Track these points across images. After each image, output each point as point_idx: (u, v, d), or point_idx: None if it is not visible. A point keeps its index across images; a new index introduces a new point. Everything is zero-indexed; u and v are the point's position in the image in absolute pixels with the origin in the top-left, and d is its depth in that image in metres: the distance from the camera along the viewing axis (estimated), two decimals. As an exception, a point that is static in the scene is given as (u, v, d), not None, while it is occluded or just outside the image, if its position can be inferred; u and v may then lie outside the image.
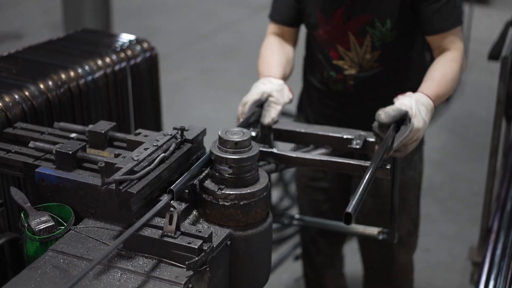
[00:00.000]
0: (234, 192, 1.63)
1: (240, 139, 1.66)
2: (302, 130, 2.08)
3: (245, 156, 1.65)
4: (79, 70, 2.40)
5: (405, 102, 2.01)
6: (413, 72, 2.39)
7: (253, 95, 2.16)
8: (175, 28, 7.62)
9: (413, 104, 2.00)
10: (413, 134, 1.98)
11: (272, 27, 2.46)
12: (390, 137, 1.93)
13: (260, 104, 2.15)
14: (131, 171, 1.59)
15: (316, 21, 2.32)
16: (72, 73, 2.37)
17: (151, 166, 1.63)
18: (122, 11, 7.51)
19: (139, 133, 1.89)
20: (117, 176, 1.55)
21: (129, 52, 2.62)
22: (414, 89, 2.26)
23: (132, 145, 1.81)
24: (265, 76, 2.27)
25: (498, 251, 2.48)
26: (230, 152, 1.65)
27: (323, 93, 2.43)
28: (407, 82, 2.36)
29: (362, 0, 2.22)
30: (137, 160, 1.62)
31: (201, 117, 5.27)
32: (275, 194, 4.23)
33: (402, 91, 2.28)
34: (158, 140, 1.74)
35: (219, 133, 1.68)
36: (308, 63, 2.51)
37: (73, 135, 1.93)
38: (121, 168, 1.59)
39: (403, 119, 1.99)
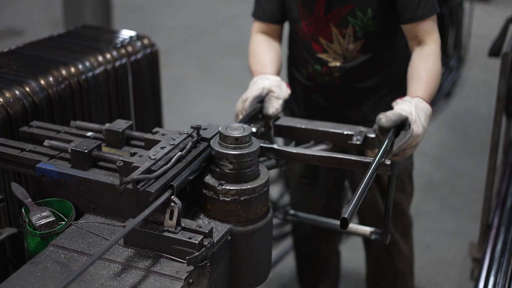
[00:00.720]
0: (234, 188, 1.64)
1: (240, 135, 1.66)
2: (303, 126, 2.08)
3: (245, 152, 1.65)
4: (80, 66, 2.40)
5: (405, 107, 2.01)
6: (398, 62, 2.39)
7: (253, 91, 2.17)
8: (175, 24, 7.62)
9: (412, 109, 2.00)
10: (412, 140, 1.98)
11: (257, 26, 2.46)
12: (389, 141, 1.93)
13: (261, 100, 2.15)
14: (149, 170, 1.58)
15: (298, 16, 2.33)
16: (72, 69, 2.37)
17: (168, 165, 1.62)
18: (122, 7, 7.51)
19: (156, 132, 1.87)
20: (135, 175, 1.54)
21: (129, 48, 2.62)
22: (400, 78, 2.32)
23: (149, 144, 1.79)
24: (260, 73, 2.27)
25: (499, 247, 2.48)
26: (231, 148, 1.65)
27: (310, 88, 2.44)
28: (392, 71, 2.39)
29: None
30: (154, 159, 1.61)
31: (201, 113, 5.27)
32: (276, 190, 4.23)
33: (388, 80, 2.35)
34: (174, 139, 1.73)
35: (220, 128, 1.68)
36: (292, 59, 2.52)
37: (89, 133, 1.92)
38: (139, 167, 1.58)
39: (402, 124, 1.99)
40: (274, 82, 2.20)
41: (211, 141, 1.71)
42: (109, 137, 1.86)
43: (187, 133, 1.76)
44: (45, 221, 1.61)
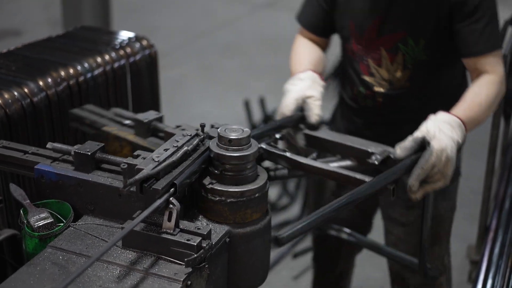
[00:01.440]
0: (220, 188, 1.63)
1: (236, 137, 1.65)
2: (329, 138, 1.99)
3: (241, 154, 1.64)
4: (79, 67, 2.40)
5: (421, 128, 1.88)
6: (447, 97, 2.25)
7: (288, 106, 2.06)
8: (174, 25, 7.62)
9: (430, 125, 1.87)
10: (438, 156, 1.81)
11: (301, 30, 2.39)
12: (402, 165, 1.79)
13: (300, 109, 2.06)
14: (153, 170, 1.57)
15: (349, 34, 2.25)
16: (71, 70, 2.37)
17: (174, 159, 1.60)
18: (121, 8, 7.50)
19: (179, 126, 1.88)
20: (139, 177, 1.53)
21: (128, 50, 2.62)
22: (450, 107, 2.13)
23: (169, 137, 1.78)
24: (295, 74, 2.20)
25: (496, 250, 2.49)
26: (227, 150, 1.65)
27: (352, 109, 2.36)
28: (437, 104, 2.16)
29: (395, 16, 2.13)
30: (158, 161, 1.60)
31: (200, 114, 5.27)
32: (274, 191, 4.24)
33: (433, 112, 2.13)
34: (177, 141, 1.72)
35: (218, 130, 1.68)
36: (342, 77, 2.45)
37: (126, 122, 2.01)
38: (142, 169, 1.57)
39: (423, 147, 1.84)
40: (306, 83, 2.09)
41: (210, 142, 1.70)
42: (77, 159, 1.75)
43: (190, 135, 1.75)
44: (44, 223, 1.61)
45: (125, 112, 2.03)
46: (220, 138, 1.66)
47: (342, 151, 1.96)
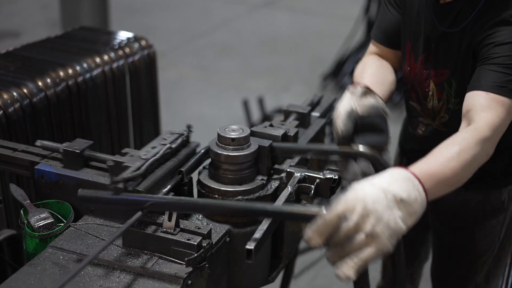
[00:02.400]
0: (217, 187, 1.64)
1: (237, 136, 1.66)
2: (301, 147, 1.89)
3: (243, 153, 1.65)
4: (77, 68, 2.40)
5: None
6: None
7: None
8: (172, 25, 7.62)
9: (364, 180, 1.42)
10: (349, 206, 1.33)
11: (372, 47, 2.16)
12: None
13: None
14: (139, 170, 1.58)
15: (405, 55, 2.06)
16: (70, 71, 2.37)
17: (157, 157, 1.61)
18: (120, 9, 7.50)
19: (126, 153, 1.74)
20: (126, 175, 1.54)
21: (127, 50, 2.62)
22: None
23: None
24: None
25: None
26: (228, 149, 1.65)
27: (407, 132, 2.23)
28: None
29: (443, 56, 1.92)
30: (146, 158, 1.61)
31: (198, 114, 5.27)
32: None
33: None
34: (165, 139, 1.73)
35: (218, 129, 1.68)
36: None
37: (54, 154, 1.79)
38: (130, 166, 1.58)
39: None
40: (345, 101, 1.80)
41: (209, 142, 1.71)
42: (66, 156, 1.74)
43: (178, 133, 1.76)
44: (44, 223, 1.61)
45: (50, 143, 1.81)
46: (221, 138, 1.66)
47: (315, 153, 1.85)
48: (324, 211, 1.35)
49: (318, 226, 1.32)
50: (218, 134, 1.68)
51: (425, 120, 2.06)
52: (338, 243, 1.33)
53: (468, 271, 2.21)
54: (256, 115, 4.90)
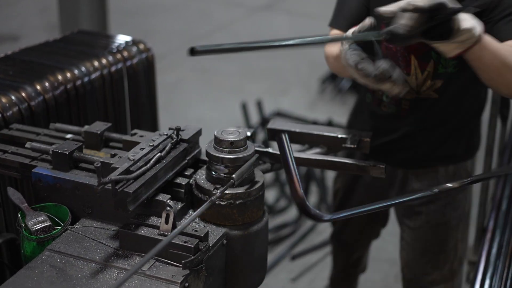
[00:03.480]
0: (229, 192, 1.64)
1: (235, 139, 1.67)
2: (297, 130, 2.08)
3: (240, 156, 1.66)
4: (76, 71, 2.40)
5: None
6: (469, 115, 2.23)
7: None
8: (171, 28, 7.63)
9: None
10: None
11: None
12: None
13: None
14: (127, 171, 1.59)
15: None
16: (68, 74, 2.37)
17: (147, 166, 1.64)
18: (118, 12, 7.51)
19: (135, 134, 1.90)
20: (113, 176, 1.55)
21: (125, 53, 2.63)
22: (468, 127, 2.21)
23: (128, 146, 1.82)
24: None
25: (494, 250, 2.49)
26: (226, 152, 1.66)
27: (373, 114, 2.30)
28: (461, 118, 2.21)
29: None
30: (133, 160, 1.63)
31: (197, 117, 5.28)
32: (272, 194, 4.24)
33: (455, 125, 2.20)
34: (154, 140, 1.75)
35: (215, 133, 1.69)
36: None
37: (68, 136, 1.94)
38: (117, 168, 1.60)
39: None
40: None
41: (206, 145, 1.71)
42: (88, 139, 1.89)
43: (166, 134, 1.78)
44: (41, 226, 1.61)
45: (66, 126, 2.00)
46: (220, 141, 1.67)
47: (311, 140, 2.01)
48: None
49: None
50: (216, 137, 1.68)
51: (407, 96, 2.13)
52: None
53: (441, 250, 2.38)
54: (254, 118, 4.90)
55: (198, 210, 1.51)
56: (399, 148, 2.27)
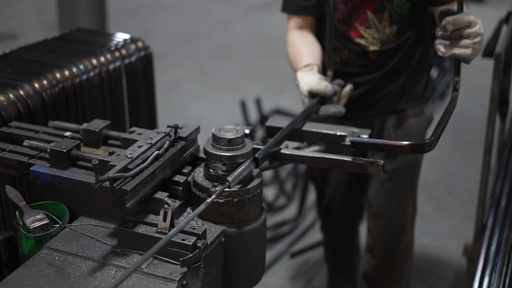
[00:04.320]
0: (228, 189, 1.64)
1: (233, 137, 1.66)
2: (296, 127, 2.08)
3: (238, 153, 1.66)
4: (74, 69, 2.40)
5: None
6: (427, 46, 2.49)
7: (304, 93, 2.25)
8: (169, 27, 7.63)
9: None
10: (474, 22, 1.99)
11: (292, 22, 2.50)
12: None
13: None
14: (125, 169, 1.59)
15: (333, 4, 2.37)
16: (67, 72, 2.37)
17: (145, 164, 1.64)
18: (117, 11, 7.51)
19: (133, 131, 1.89)
20: (111, 173, 1.55)
21: (123, 51, 2.63)
22: (427, 64, 2.51)
23: (127, 143, 1.81)
24: (298, 68, 2.35)
25: (493, 247, 2.49)
26: (224, 149, 1.66)
27: (344, 74, 2.46)
28: (421, 54, 2.48)
29: None
30: (131, 157, 1.63)
31: (195, 116, 5.27)
32: (271, 192, 4.24)
33: (416, 64, 2.47)
34: (152, 138, 1.75)
35: (213, 130, 1.69)
36: (324, 50, 2.52)
37: (67, 133, 1.93)
38: (115, 165, 1.59)
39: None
40: (314, 81, 2.23)
41: (204, 143, 1.71)
42: (86, 136, 1.89)
43: (164, 132, 1.77)
44: (39, 224, 1.61)
45: (64, 124, 2.01)
46: (218, 139, 1.67)
47: (309, 138, 2.07)
48: (463, 15, 1.97)
49: (457, 18, 1.97)
50: (213, 135, 1.68)
51: (373, 47, 2.40)
52: (455, 37, 2.01)
53: (414, 185, 2.71)
54: (253, 116, 4.90)
55: (196, 210, 1.50)
56: (373, 99, 2.49)
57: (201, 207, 1.51)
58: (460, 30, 2.00)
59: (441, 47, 2.05)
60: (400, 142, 1.82)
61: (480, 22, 2.05)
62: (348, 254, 3.00)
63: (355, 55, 2.43)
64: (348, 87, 2.27)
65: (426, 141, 1.79)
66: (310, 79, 2.23)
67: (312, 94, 2.22)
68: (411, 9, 2.34)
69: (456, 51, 2.02)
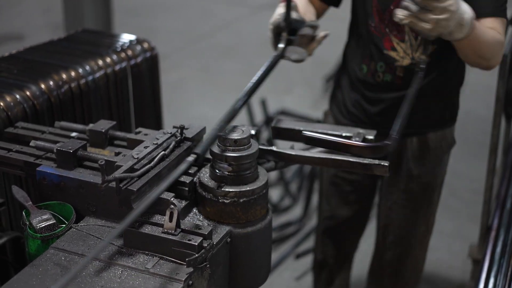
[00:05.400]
0: (233, 190, 1.64)
1: (239, 137, 1.67)
2: (301, 129, 2.08)
3: (244, 154, 1.66)
4: (80, 70, 2.41)
5: None
6: (458, 72, 2.41)
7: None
8: (174, 27, 7.64)
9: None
10: (446, 7, 1.87)
11: None
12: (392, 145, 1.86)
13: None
14: (131, 169, 1.60)
15: (371, 10, 2.31)
16: (73, 73, 2.38)
17: (151, 164, 1.64)
18: (122, 11, 7.52)
19: (139, 132, 1.90)
20: (117, 174, 1.56)
21: (129, 52, 2.63)
22: (455, 90, 2.44)
23: (132, 144, 1.82)
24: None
25: (498, 249, 2.49)
26: (230, 150, 1.66)
27: (368, 85, 2.40)
28: (451, 80, 2.41)
29: None
30: (137, 158, 1.63)
31: (200, 116, 5.28)
32: (276, 193, 4.24)
33: (445, 89, 2.39)
34: (158, 139, 1.75)
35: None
36: (352, 53, 2.47)
37: (73, 134, 1.94)
38: (121, 166, 1.60)
39: None
40: (278, 12, 2.10)
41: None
42: (92, 137, 1.89)
43: (170, 133, 1.78)
44: (46, 224, 1.62)
45: (70, 124, 2.01)
46: (224, 139, 1.67)
47: None
48: None
49: None
50: (219, 135, 1.69)
51: (402, 62, 2.30)
52: (421, 6, 1.88)
53: (428, 207, 2.59)
54: (259, 116, 4.90)
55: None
56: (392, 117, 2.32)
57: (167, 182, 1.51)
58: (429, 1, 1.88)
59: (399, 12, 1.93)
60: (357, 143, 1.74)
61: (461, 3, 1.95)
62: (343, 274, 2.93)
63: (382, 68, 2.35)
64: (323, 33, 2.12)
65: (386, 142, 1.70)
66: (279, 11, 2.10)
67: (277, 30, 2.07)
68: None
69: (414, 20, 1.91)
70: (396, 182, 2.56)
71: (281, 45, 2.04)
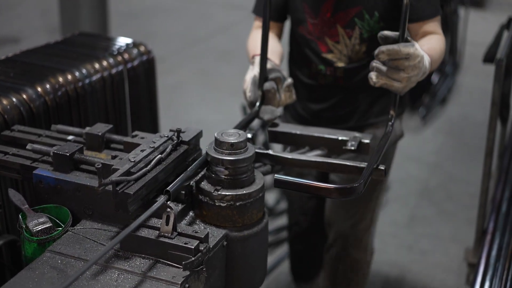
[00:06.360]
0: (230, 193, 1.65)
1: (236, 141, 1.67)
2: (298, 132, 2.09)
3: (241, 158, 1.67)
4: (77, 73, 2.41)
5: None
6: None
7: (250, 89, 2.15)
8: (172, 31, 7.64)
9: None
10: (416, 52, 1.89)
11: (257, 23, 2.48)
12: (382, 144, 1.91)
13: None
14: (128, 172, 1.60)
15: (304, 16, 2.35)
16: (69, 76, 2.38)
17: (148, 167, 1.65)
18: (119, 15, 7.53)
19: (136, 135, 1.90)
20: (114, 177, 1.56)
21: (126, 56, 2.64)
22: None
23: (129, 147, 1.82)
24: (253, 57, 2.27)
25: (494, 252, 2.49)
26: (226, 154, 1.67)
27: (311, 87, 2.46)
28: None
29: None
30: (134, 161, 1.64)
31: (197, 119, 5.28)
32: (272, 196, 4.24)
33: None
34: (154, 142, 1.76)
35: (215, 134, 1.70)
36: (294, 59, 2.53)
37: (70, 137, 1.94)
38: (118, 169, 1.60)
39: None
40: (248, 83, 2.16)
41: (206, 147, 1.72)
42: (89, 140, 1.89)
43: (167, 136, 1.78)
44: (42, 227, 1.62)
45: (67, 127, 2.01)
46: (220, 143, 1.67)
47: (310, 142, 2.07)
48: (401, 46, 1.86)
49: (393, 49, 1.86)
50: (216, 139, 1.69)
51: (341, 63, 2.36)
52: (392, 66, 1.89)
53: (372, 195, 2.62)
54: (255, 120, 4.90)
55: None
56: (341, 113, 2.46)
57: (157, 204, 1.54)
58: (397, 61, 1.89)
59: (373, 76, 1.93)
60: (327, 185, 1.69)
61: (424, 55, 1.97)
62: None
63: (323, 70, 2.40)
64: (286, 82, 2.13)
65: (354, 185, 1.65)
66: (248, 77, 2.16)
67: (253, 105, 2.14)
68: (384, 28, 2.20)
69: (388, 82, 1.92)
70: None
71: (255, 109, 2.12)
